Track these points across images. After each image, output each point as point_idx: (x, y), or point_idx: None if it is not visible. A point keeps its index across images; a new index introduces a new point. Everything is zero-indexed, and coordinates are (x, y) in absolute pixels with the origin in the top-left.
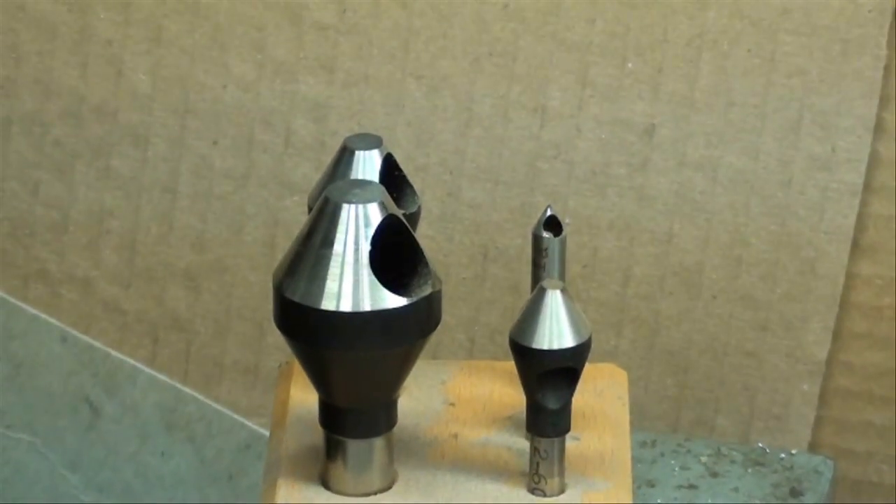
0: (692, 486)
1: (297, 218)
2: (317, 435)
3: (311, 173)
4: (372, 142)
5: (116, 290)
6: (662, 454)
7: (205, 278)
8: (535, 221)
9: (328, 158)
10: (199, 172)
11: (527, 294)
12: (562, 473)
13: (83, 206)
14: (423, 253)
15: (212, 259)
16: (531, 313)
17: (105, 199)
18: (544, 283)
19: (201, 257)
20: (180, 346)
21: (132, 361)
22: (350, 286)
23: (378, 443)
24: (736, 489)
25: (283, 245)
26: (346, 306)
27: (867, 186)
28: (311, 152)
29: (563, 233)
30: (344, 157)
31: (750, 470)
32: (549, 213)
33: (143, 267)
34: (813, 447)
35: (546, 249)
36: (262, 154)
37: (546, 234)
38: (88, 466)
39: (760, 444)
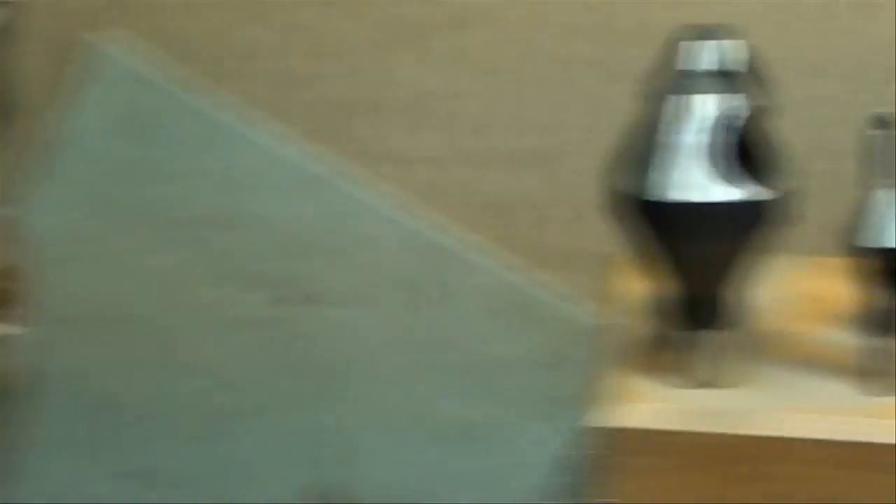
0: None
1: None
2: (656, 325)
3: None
4: (726, 32)
5: None
6: None
7: None
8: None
9: (659, 47)
10: None
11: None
12: None
13: None
14: (779, 150)
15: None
16: (870, 214)
17: None
18: (878, 183)
19: None
20: None
21: None
22: (706, 177)
23: (722, 336)
24: None
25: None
26: (695, 197)
27: None
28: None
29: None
30: (692, 47)
31: None
32: (877, 113)
33: None
34: None
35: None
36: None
37: (874, 132)
38: None
39: None
